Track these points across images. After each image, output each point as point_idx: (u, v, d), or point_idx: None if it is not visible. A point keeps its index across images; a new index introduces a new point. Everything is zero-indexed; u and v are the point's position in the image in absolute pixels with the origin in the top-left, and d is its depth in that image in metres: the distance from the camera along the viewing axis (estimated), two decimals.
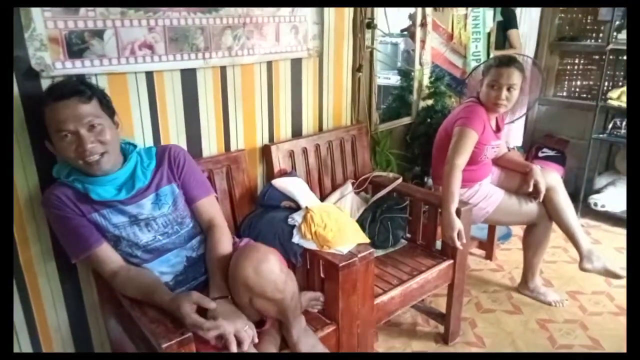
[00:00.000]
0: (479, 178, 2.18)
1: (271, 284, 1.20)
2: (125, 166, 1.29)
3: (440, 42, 2.63)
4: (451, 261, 1.92)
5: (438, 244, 2.00)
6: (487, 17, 2.70)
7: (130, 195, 1.28)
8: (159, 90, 1.57)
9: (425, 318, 2.20)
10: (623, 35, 2.79)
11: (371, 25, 2.13)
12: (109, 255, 1.27)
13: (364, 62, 2.19)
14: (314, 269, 1.59)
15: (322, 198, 2.02)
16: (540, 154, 3.63)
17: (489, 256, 2.74)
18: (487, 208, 2.17)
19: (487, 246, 2.74)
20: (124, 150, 1.33)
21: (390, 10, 2.42)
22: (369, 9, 2.13)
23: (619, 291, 2.43)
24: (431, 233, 2.00)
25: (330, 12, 2.02)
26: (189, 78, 1.65)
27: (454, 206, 1.85)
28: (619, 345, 2.04)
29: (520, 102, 2.66)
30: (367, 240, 1.59)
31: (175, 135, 1.65)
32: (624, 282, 2.48)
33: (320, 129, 2.13)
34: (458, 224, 1.83)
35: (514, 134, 3.43)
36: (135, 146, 1.36)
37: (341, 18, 2.09)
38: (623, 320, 2.21)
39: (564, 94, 3.61)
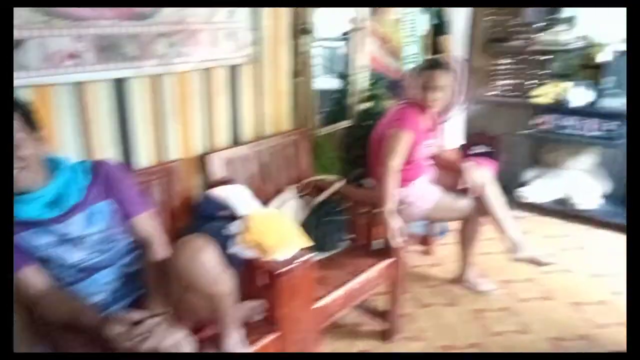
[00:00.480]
0: (415, 177, 2.27)
1: (207, 273, 1.17)
2: (53, 182, 1.24)
3: (377, 45, 2.71)
4: (391, 259, 1.99)
5: (378, 243, 2.07)
6: (422, 20, 2.80)
7: (62, 213, 1.23)
8: (89, 102, 1.53)
9: (368, 317, 2.26)
10: (546, 36, 2.98)
11: (306, 31, 2.16)
12: (34, 277, 1.21)
13: (303, 67, 2.22)
14: (255, 277, 1.60)
15: (265, 204, 2.02)
16: (473, 151, 3.81)
17: (428, 252, 2.85)
18: (424, 206, 2.27)
19: (426, 242, 2.85)
20: (51, 165, 1.28)
21: (330, 14, 2.46)
22: (306, 14, 2.16)
23: (547, 277, 2.60)
24: (370, 233, 2.06)
25: (267, 18, 2.03)
26: (121, 88, 1.61)
27: (393, 206, 1.92)
28: (546, 327, 2.19)
29: (453, 102, 2.79)
30: (309, 245, 1.62)
31: (106, 147, 1.60)
32: (551, 268, 2.68)
33: (261, 136, 2.14)
34: (397, 223, 1.90)
35: (454, 134, 3.58)
36: (65, 161, 1.31)
37: (279, 24, 2.10)
38: (550, 304, 2.38)
39: (494, 92, 3.80)
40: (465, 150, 3.85)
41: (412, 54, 2.80)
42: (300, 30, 2.15)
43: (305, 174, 2.24)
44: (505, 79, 3.71)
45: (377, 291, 2.04)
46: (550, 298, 2.43)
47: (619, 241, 2.91)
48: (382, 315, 2.17)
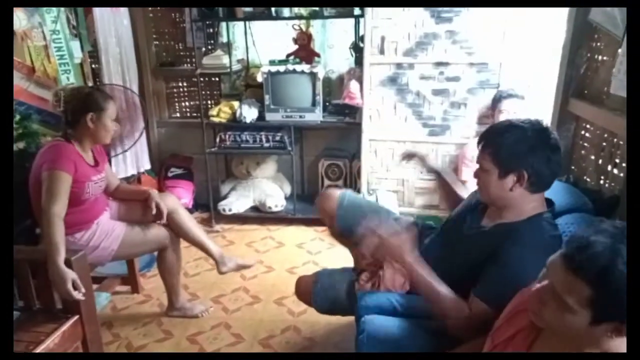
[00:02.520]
0: (93, 217, 2.06)
1: None
2: None
3: (21, 77, 2.35)
4: (77, 316, 1.74)
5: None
6: (73, 47, 2.57)
7: None
8: None
9: None
10: (207, 60, 3.16)
11: None
12: None
13: None
14: None
15: None
16: (169, 174, 3.79)
17: (135, 289, 2.66)
18: (112, 246, 2.08)
19: (131, 280, 2.65)
20: None
21: None
22: None
23: (253, 282, 2.78)
24: (48, 293, 1.76)
25: None
26: None
27: (61, 258, 1.67)
28: (255, 331, 2.32)
29: (126, 132, 2.66)
30: None
31: None
32: (256, 271, 2.87)
33: None
34: (70, 275, 1.67)
35: (140, 159, 3.44)
36: None
37: None
38: (258, 307, 2.53)
39: (178, 114, 3.85)
40: (161, 173, 3.80)
41: (72, 82, 2.55)
42: None
43: None
44: (184, 101, 3.81)
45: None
46: (258, 300, 2.59)
47: (307, 233, 3.34)
48: None
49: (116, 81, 2.87)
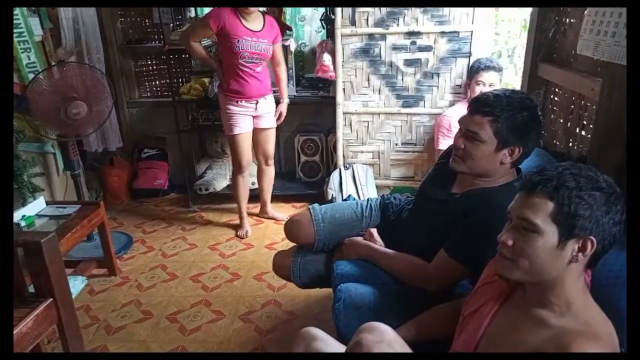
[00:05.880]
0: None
1: None
2: None
3: None
4: (50, 299, 1.70)
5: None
6: (32, 24, 2.46)
7: None
8: None
9: None
10: (175, 36, 3.07)
11: None
12: None
13: None
14: None
15: None
16: (143, 155, 3.72)
17: (112, 272, 2.63)
18: None
19: (108, 263, 2.62)
20: None
21: None
22: None
23: (231, 260, 2.77)
24: (19, 277, 1.72)
25: None
26: None
27: None
28: (236, 308, 2.32)
29: (94, 113, 2.59)
30: None
31: None
32: (233, 249, 2.87)
33: None
34: None
35: (111, 140, 3.37)
36: None
37: None
38: (237, 284, 2.53)
39: (149, 94, 3.76)
40: (134, 155, 3.73)
41: (30, 62, 2.45)
42: None
43: None
44: (154, 79, 3.71)
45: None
46: (237, 277, 2.59)
47: (285, 209, 3.34)
48: None
49: (80, 60, 2.78)
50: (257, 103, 2.78)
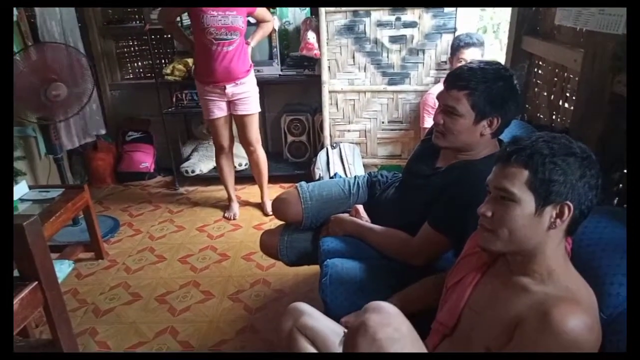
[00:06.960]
0: None
1: None
2: None
3: None
4: (35, 282, 1.69)
5: None
6: None
7: None
8: None
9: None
10: (155, 15, 2.99)
11: None
12: None
13: None
14: None
15: None
16: (127, 138, 3.67)
17: (99, 256, 2.61)
18: None
19: (94, 246, 2.60)
20: None
21: None
22: None
23: (220, 241, 2.77)
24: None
25: None
26: None
27: None
28: (225, 287, 2.33)
29: (73, 95, 2.54)
30: None
31: None
32: (221, 230, 2.87)
33: None
34: None
35: (90, 125, 3.31)
36: None
37: None
38: (226, 264, 2.53)
39: (131, 76, 3.70)
40: (119, 138, 3.68)
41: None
42: None
43: None
44: (136, 61, 3.64)
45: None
46: (226, 258, 2.59)
47: (272, 189, 3.32)
48: (51, 345, 1.86)
49: (57, 40, 2.71)
50: (224, 88, 2.67)
